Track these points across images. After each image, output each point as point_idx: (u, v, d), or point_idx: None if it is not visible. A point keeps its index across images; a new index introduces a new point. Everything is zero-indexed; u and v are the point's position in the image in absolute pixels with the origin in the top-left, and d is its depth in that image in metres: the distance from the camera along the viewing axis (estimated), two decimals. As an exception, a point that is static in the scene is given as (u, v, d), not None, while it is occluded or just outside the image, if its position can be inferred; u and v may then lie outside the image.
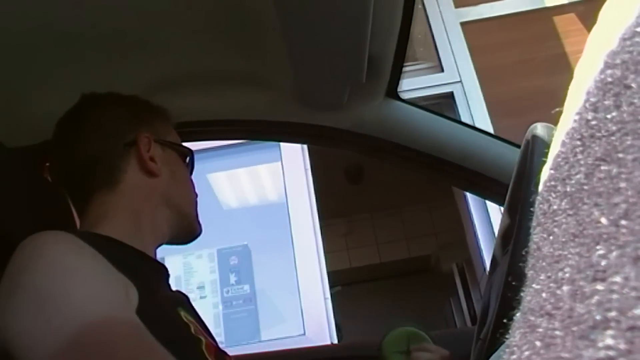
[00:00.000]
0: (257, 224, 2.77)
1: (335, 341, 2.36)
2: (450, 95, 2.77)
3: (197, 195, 1.01)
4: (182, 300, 0.90)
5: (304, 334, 2.37)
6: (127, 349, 0.64)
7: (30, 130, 1.20)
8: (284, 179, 2.67)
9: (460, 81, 2.79)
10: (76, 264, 0.70)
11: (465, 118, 2.65)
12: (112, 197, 0.89)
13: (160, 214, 0.93)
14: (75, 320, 0.63)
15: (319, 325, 2.35)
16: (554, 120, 0.38)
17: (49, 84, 1.12)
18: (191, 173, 1.02)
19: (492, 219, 2.49)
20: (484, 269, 2.56)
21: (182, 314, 0.83)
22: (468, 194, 2.61)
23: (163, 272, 0.93)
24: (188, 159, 1.01)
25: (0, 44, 0.98)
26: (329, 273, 2.49)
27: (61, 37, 0.99)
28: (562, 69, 2.75)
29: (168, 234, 0.95)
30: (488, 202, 2.49)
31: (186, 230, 0.99)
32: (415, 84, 2.69)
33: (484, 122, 2.62)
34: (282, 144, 2.69)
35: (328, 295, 2.44)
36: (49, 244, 0.73)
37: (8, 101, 1.12)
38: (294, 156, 2.69)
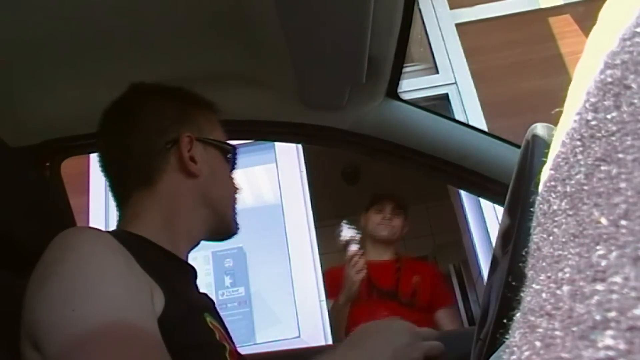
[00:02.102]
0: (252, 226, 2.76)
1: (331, 343, 2.35)
2: (445, 97, 2.78)
3: (237, 191, 0.99)
4: (209, 305, 0.89)
5: (299, 336, 2.36)
6: (136, 356, 0.64)
7: (31, 130, 1.20)
8: (278, 180, 2.67)
9: (456, 83, 2.79)
10: (107, 262, 0.71)
11: (460, 120, 2.65)
12: (148, 197, 0.88)
13: (197, 215, 0.91)
14: (98, 315, 0.64)
15: (314, 328, 2.35)
16: (551, 120, 0.38)
17: (49, 84, 1.12)
18: (233, 170, 1.00)
19: (487, 221, 2.49)
20: (480, 270, 2.56)
21: (208, 319, 0.82)
22: (463, 195, 2.62)
23: (192, 274, 0.92)
24: (230, 155, 0.98)
25: (0, 44, 0.98)
26: (324, 275, 2.49)
27: (62, 37, 0.99)
28: (557, 70, 2.76)
29: (204, 232, 0.94)
30: (483, 204, 2.50)
31: (224, 230, 0.98)
32: (410, 85, 2.70)
33: (479, 124, 2.62)
34: (276, 145, 2.68)
35: (323, 297, 2.43)
36: (82, 240, 0.73)
37: (8, 101, 1.11)
38: (289, 157, 2.69)
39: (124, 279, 0.70)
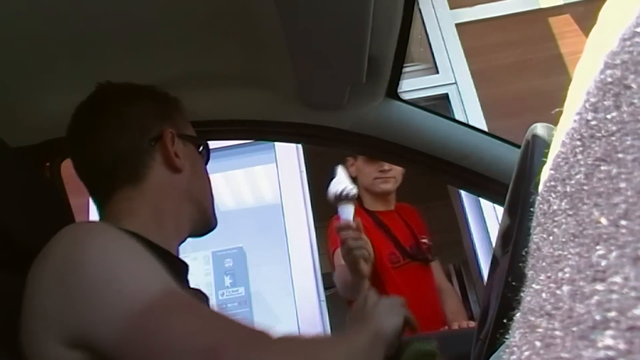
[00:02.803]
0: (252, 226, 2.77)
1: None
2: (445, 97, 2.78)
3: (212, 187, 1.03)
4: (203, 300, 0.90)
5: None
6: (194, 313, 0.70)
7: (31, 130, 1.20)
8: (279, 180, 2.67)
9: (456, 83, 2.79)
10: (128, 243, 0.74)
11: (460, 120, 2.65)
12: (136, 193, 0.89)
13: (184, 210, 0.93)
14: (145, 287, 0.68)
15: (314, 328, 2.35)
16: (550, 120, 0.38)
17: (49, 84, 1.12)
18: (206, 164, 1.03)
19: (487, 221, 2.49)
20: (480, 271, 2.56)
21: None
22: (463, 195, 2.62)
23: (184, 269, 0.93)
24: (203, 149, 1.02)
25: (1, 45, 0.98)
26: (324, 275, 2.49)
27: (62, 37, 0.99)
28: (557, 70, 2.76)
29: (190, 228, 0.96)
30: (483, 204, 2.50)
31: (204, 224, 1.00)
32: (410, 85, 2.70)
33: (479, 124, 2.62)
34: (277, 145, 2.68)
35: (323, 297, 2.43)
36: (94, 230, 0.76)
37: (8, 101, 1.11)
38: (289, 158, 2.69)
39: (148, 255, 0.73)
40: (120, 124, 0.91)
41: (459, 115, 2.68)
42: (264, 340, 0.70)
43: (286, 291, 2.47)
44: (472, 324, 1.85)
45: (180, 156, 0.92)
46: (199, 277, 2.52)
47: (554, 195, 0.18)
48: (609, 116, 0.17)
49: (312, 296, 2.43)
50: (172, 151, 0.91)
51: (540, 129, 0.68)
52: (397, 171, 2.10)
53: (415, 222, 2.21)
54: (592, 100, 0.18)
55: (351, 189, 1.25)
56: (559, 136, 0.20)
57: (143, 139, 0.91)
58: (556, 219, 0.18)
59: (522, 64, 2.85)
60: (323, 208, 1.89)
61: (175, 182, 0.92)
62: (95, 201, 0.93)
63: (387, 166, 2.05)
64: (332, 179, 1.29)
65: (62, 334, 0.68)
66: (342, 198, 1.24)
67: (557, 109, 0.21)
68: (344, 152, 2.00)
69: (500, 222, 0.82)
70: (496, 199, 1.26)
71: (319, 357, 0.73)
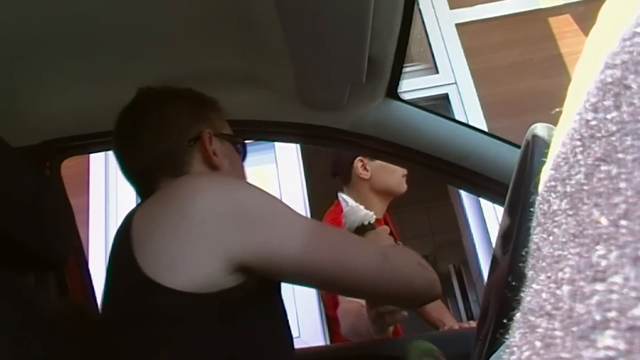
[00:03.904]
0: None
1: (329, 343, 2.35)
2: (445, 97, 2.78)
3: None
4: None
5: (299, 336, 2.36)
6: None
7: (31, 130, 1.20)
8: (279, 180, 2.67)
9: (456, 83, 2.79)
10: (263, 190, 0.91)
11: (460, 120, 2.65)
12: None
13: None
14: (305, 218, 0.90)
15: (314, 328, 2.35)
16: (550, 120, 0.38)
17: (50, 84, 1.12)
18: (244, 160, 1.08)
19: (487, 221, 2.49)
20: (480, 271, 2.56)
21: None
22: (463, 195, 2.61)
23: None
24: (240, 147, 1.06)
25: (1, 44, 0.98)
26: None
27: (62, 37, 0.99)
28: (557, 70, 2.76)
29: None
30: (483, 204, 2.49)
31: None
32: (410, 85, 2.69)
33: (479, 124, 2.62)
34: (276, 145, 2.68)
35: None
36: (235, 181, 0.94)
37: (8, 101, 1.11)
38: (289, 158, 2.69)
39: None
40: (160, 127, 0.97)
41: (459, 115, 2.68)
42: (396, 247, 1.04)
43: (286, 291, 2.47)
44: (473, 323, 1.84)
45: (218, 154, 0.98)
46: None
47: (554, 195, 0.18)
48: (609, 116, 0.17)
49: (312, 296, 2.43)
50: (210, 150, 0.97)
51: (540, 129, 0.68)
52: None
53: (393, 227, 2.15)
54: (592, 100, 0.18)
55: (371, 215, 1.17)
56: (559, 136, 0.20)
57: (182, 139, 0.97)
58: (556, 219, 0.18)
59: (522, 64, 2.85)
60: (322, 208, 1.89)
61: None
62: (142, 198, 0.98)
63: None
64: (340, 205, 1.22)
65: (230, 257, 0.77)
66: (365, 228, 1.15)
67: (557, 109, 0.21)
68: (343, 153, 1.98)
69: (500, 222, 0.82)
70: (496, 199, 1.26)
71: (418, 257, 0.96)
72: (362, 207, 1.20)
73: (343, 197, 1.23)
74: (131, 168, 0.99)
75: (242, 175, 1.05)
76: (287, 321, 0.95)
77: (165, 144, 0.96)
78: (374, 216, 1.18)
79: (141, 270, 0.77)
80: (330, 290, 1.14)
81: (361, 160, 1.93)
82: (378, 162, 1.86)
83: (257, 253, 0.79)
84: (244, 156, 1.08)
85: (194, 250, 0.77)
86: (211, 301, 0.77)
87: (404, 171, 1.87)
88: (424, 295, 0.95)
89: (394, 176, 1.88)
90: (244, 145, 1.08)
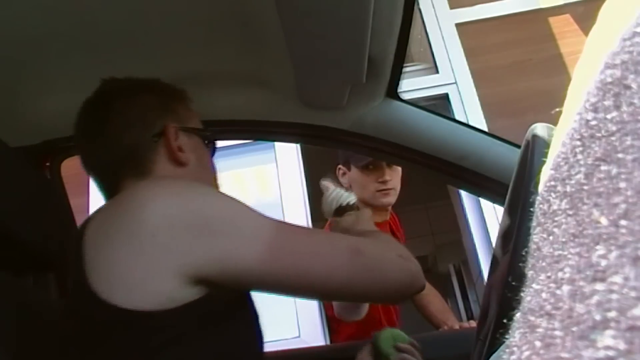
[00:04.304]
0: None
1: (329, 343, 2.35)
2: (445, 97, 2.77)
3: (218, 179, 1.03)
4: None
5: (299, 336, 2.36)
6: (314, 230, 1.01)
7: (31, 130, 1.20)
8: (279, 180, 2.67)
9: (456, 82, 2.79)
10: (225, 194, 0.88)
11: (460, 119, 2.65)
12: None
13: None
14: (267, 220, 0.82)
15: (314, 328, 2.34)
16: (551, 120, 0.38)
17: (49, 84, 1.12)
18: (213, 155, 1.03)
19: (487, 221, 2.49)
20: (480, 271, 2.56)
21: None
22: (463, 195, 2.61)
23: None
24: (209, 141, 1.01)
25: (1, 45, 0.98)
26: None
27: (62, 37, 0.99)
28: (557, 70, 2.76)
29: None
30: (483, 204, 2.49)
31: None
32: (410, 85, 2.69)
33: (479, 124, 2.62)
34: (276, 145, 2.68)
35: (323, 296, 2.43)
36: (195, 185, 0.86)
37: (8, 101, 1.11)
38: (289, 158, 2.69)
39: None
40: (124, 120, 0.92)
41: (459, 115, 2.68)
42: (373, 236, 0.94)
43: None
44: (473, 323, 1.84)
45: (184, 150, 0.93)
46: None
47: (554, 195, 0.18)
48: (609, 116, 0.17)
49: (311, 296, 2.42)
50: (175, 146, 0.92)
51: (540, 129, 0.68)
52: (396, 181, 1.89)
53: (399, 230, 2.14)
54: (592, 100, 0.18)
55: (350, 197, 1.16)
56: (559, 136, 0.20)
57: (146, 134, 0.91)
58: (556, 219, 0.18)
59: (522, 64, 2.84)
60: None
61: (180, 175, 0.92)
62: (105, 195, 0.95)
63: (387, 176, 1.83)
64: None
65: (185, 270, 0.72)
66: (344, 210, 1.14)
67: (557, 109, 0.21)
68: (342, 153, 1.98)
69: (500, 222, 0.82)
70: (496, 199, 1.26)
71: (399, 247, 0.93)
72: (341, 190, 1.17)
73: (324, 183, 1.20)
74: (94, 164, 0.95)
75: (210, 172, 1.00)
76: (259, 329, 0.89)
77: (128, 138, 0.91)
78: (354, 198, 1.15)
79: (92, 289, 0.73)
80: (302, 297, 1.07)
81: (341, 169, 1.92)
82: (355, 174, 1.87)
83: (213, 265, 0.74)
84: (213, 151, 1.03)
85: (146, 265, 0.72)
86: (176, 316, 0.73)
87: (378, 186, 1.84)
88: (404, 290, 0.89)
89: (365, 191, 1.84)
90: (214, 140, 1.03)
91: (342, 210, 1.13)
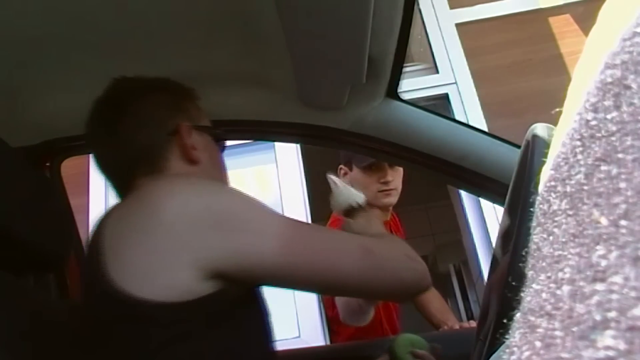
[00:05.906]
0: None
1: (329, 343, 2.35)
2: (445, 97, 2.78)
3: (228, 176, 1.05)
4: None
5: (299, 336, 2.36)
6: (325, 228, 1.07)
7: (31, 130, 1.20)
8: (278, 180, 2.67)
9: (456, 83, 2.79)
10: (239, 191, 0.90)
11: (460, 120, 2.64)
12: None
13: None
14: (282, 218, 0.86)
15: (314, 328, 2.34)
16: (551, 120, 0.38)
17: (49, 84, 1.12)
18: (222, 152, 1.05)
19: (487, 221, 2.49)
20: (480, 271, 2.56)
21: None
22: (463, 195, 2.61)
23: None
24: (220, 139, 1.03)
25: (1, 45, 0.98)
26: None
27: (62, 37, 0.99)
28: (558, 70, 2.76)
29: None
30: (483, 204, 2.49)
31: None
32: (410, 85, 2.69)
33: (479, 124, 2.62)
34: (276, 145, 2.68)
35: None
36: (211, 184, 0.90)
37: (9, 101, 1.11)
38: (289, 157, 2.69)
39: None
40: (138, 120, 0.93)
41: (459, 115, 2.68)
42: (382, 237, 0.98)
43: (285, 291, 2.46)
44: (473, 323, 1.84)
45: (197, 148, 0.94)
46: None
47: (554, 195, 0.18)
48: (609, 116, 0.17)
49: (312, 296, 2.42)
50: (189, 144, 0.93)
51: (540, 129, 0.68)
52: (398, 182, 1.88)
53: (399, 230, 2.13)
54: (592, 100, 0.18)
55: (360, 196, 1.13)
56: (559, 136, 0.20)
57: (160, 133, 0.93)
58: (556, 219, 0.18)
59: (522, 64, 2.84)
60: (322, 208, 1.88)
61: (194, 173, 0.94)
62: (117, 193, 0.96)
63: (389, 176, 1.82)
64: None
65: (202, 264, 0.75)
66: (355, 209, 1.11)
67: (557, 109, 0.21)
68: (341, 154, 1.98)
69: (500, 222, 0.82)
70: (496, 199, 1.26)
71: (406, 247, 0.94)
72: (351, 188, 1.16)
73: (332, 178, 1.18)
74: (108, 163, 0.96)
75: (221, 170, 1.02)
76: (269, 327, 0.91)
77: (142, 137, 0.92)
78: (363, 197, 1.14)
79: (108, 279, 0.75)
80: (313, 292, 1.11)
81: (342, 169, 1.92)
82: (357, 174, 1.86)
83: (229, 260, 0.77)
84: (223, 148, 1.05)
85: (164, 258, 0.75)
86: (189, 309, 0.75)
87: (380, 187, 1.83)
88: (412, 288, 0.92)
89: (367, 192, 1.68)
90: (224, 138, 1.05)
91: (353, 210, 1.11)
